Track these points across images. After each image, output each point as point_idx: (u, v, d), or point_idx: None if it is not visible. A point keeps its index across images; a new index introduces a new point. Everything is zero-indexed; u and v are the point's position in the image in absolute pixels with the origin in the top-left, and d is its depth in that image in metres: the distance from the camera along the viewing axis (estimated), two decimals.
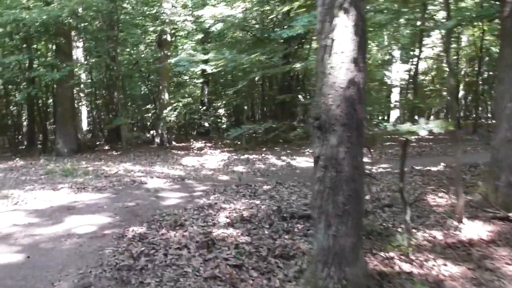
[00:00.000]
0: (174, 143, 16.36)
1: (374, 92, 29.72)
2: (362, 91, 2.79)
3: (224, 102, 14.01)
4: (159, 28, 13.44)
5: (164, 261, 3.63)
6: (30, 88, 12.52)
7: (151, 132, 20.71)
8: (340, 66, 2.72)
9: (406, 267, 3.51)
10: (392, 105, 30.81)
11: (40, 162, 11.39)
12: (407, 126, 3.14)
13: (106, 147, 16.19)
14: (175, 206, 6.26)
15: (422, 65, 28.83)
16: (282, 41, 13.30)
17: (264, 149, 14.67)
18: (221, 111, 14.11)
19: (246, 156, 12.63)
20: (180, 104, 13.79)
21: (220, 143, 15.92)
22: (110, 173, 9.65)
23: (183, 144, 16.60)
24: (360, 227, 2.92)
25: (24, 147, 16.74)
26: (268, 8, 11.26)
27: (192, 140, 17.54)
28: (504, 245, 4.14)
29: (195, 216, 5.39)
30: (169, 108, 13.50)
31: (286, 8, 9.43)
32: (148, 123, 22.74)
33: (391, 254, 3.73)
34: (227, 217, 5.25)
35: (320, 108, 2.82)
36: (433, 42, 26.17)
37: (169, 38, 15.93)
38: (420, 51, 24.45)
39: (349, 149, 2.76)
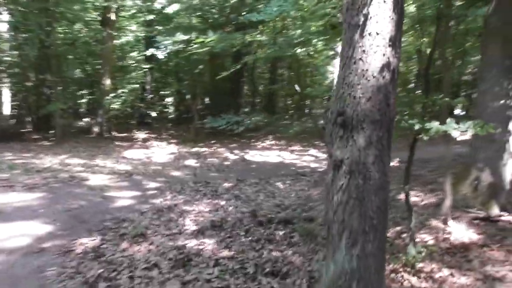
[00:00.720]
0: (114, 133, 15.13)
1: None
2: (396, 82, 2.30)
3: (172, 90, 13.05)
4: (104, 4, 12.12)
5: (130, 287, 2.90)
6: None
7: (86, 119, 19.15)
8: (374, 50, 2.19)
9: (415, 281, 3.13)
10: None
11: None
12: (435, 125, 2.71)
13: (35, 136, 14.55)
14: (128, 208, 5.45)
15: None
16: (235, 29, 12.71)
17: (213, 141, 14.01)
18: (169, 100, 13.15)
19: (196, 149, 11.91)
20: (126, 91, 12.64)
21: (166, 134, 14.98)
22: (43, 167, 8.44)
23: (124, 134, 15.40)
24: (385, 244, 2.46)
25: None
26: None
27: (134, 131, 16.36)
28: (498, 249, 3.93)
29: (155, 222, 4.65)
30: (112, 94, 12.31)
31: None
32: (83, 110, 21.00)
33: (394, 266, 3.34)
34: (194, 223, 4.59)
35: (344, 101, 2.28)
36: None
37: (113, 17, 14.62)
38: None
39: (380, 152, 2.25)
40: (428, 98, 4.21)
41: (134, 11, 15.42)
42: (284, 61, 22.15)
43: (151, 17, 12.31)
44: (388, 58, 2.21)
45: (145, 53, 11.03)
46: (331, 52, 32.37)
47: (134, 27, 14.47)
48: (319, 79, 31.17)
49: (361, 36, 2.22)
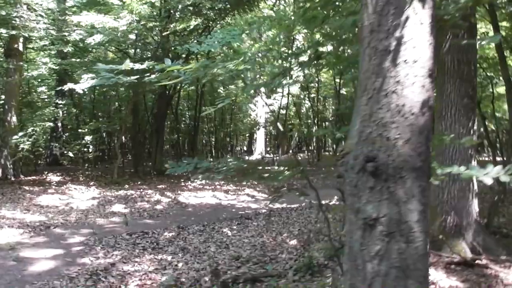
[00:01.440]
0: (22, 176, 13.30)
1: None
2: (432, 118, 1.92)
3: (91, 128, 11.83)
4: (12, 33, 10.79)
5: None
6: None
7: None
8: (412, 81, 1.80)
9: None
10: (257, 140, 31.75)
11: None
12: (463, 170, 2.35)
13: None
14: (52, 273, 4.41)
15: (283, 101, 30.58)
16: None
17: (139, 183, 12.92)
18: (88, 139, 11.88)
19: (121, 192, 10.76)
20: (37, 129, 11.17)
21: (84, 176, 13.49)
22: None
23: (34, 178, 13.61)
24: None
25: None
26: (157, 23, 9.92)
27: (46, 173, 14.56)
28: None
29: None
30: (20, 133, 10.78)
31: (182, 26, 8.34)
32: None
33: None
34: None
35: (373, 143, 1.84)
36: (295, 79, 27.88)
37: (21, 48, 13.15)
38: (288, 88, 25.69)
39: (424, 206, 1.82)
40: None
41: (45, 42, 14.13)
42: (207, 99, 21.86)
43: (68, 49, 11.20)
44: (428, 91, 1.82)
45: (62, 87, 9.85)
46: (252, 91, 33.02)
47: (46, 59, 13.11)
48: (241, 117, 31.43)
49: (394, 64, 1.82)
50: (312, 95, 28.49)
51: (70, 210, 8.43)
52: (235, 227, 6.63)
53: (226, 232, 6.20)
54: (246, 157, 29.44)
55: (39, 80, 15.47)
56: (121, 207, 8.79)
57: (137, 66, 3.16)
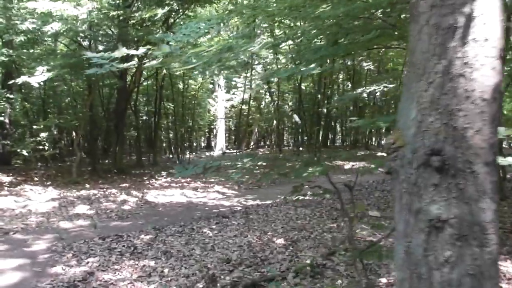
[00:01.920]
0: None
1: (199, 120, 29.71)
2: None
3: (47, 124, 10.96)
4: None
5: None
6: None
7: None
8: (481, 63, 1.58)
9: None
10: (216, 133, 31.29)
11: None
12: None
13: None
14: (21, 287, 3.91)
15: (242, 96, 30.35)
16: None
17: (100, 182, 12.22)
18: (43, 135, 11.00)
19: (83, 192, 10.07)
20: None
21: (39, 176, 12.55)
22: None
23: None
24: None
25: None
26: (120, 12, 9.27)
27: None
28: None
29: None
30: None
31: (148, 14, 7.85)
32: None
33: None
34: None
35: (437, 134, 1.61)
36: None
37: None
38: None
39: (497, 205, 1.62)
40: None
41: None
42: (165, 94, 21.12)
43: (21, 38, 10.27)
44: (499, 74, 1.62)
45: (15, 80, 9.04)
46: (211, 85, 32.37)
47: None
48: (201, 112, 30.80)
49: (462, 43, 1.60)
50: (272, 90, 28.47)
51: (29, 213, 7.73)
52: (214, 226, 6.31)
53: (206, 233, 5.86)
54: (207, 153, 28.97)
55: None
56: (85, 209, 8.18)
57: (133, 52, 2.77)
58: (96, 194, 9.87)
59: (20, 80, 8.98)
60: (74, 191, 10.19)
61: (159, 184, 12.08)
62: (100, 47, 14.13)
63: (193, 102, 27.77)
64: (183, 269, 4.18)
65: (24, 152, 10.74)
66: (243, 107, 30.11)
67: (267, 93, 29.19)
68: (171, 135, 26.60)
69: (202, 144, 36.97)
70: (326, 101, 22.57)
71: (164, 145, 27.33)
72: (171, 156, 24.19)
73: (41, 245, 5.53)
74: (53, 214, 7.71)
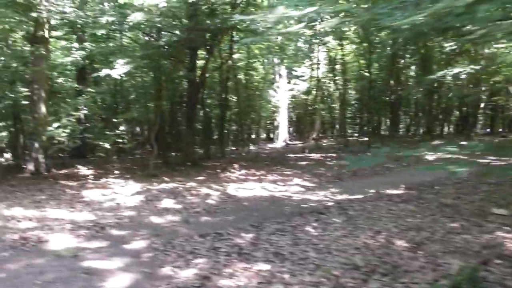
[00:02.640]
0: (54, 170, 12.66)
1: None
2: None
3: (126, 117, 11.05)
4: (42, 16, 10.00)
5: None
6: None
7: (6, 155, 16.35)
8: None
9: None
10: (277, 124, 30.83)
11: None
12: None
13: None
14: None
15: (304, 85, 29.51)
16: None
17: (175, 175, 12.16)
18: (123, 128, 11.10)
19: (164, 185, 10.01)
20: (72, 119, 10.44)
21: (118, 170, 12.78)
22: None
23: (64, 171, 12.97)
24: None
25: None
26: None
27: (78, 166, 13.91)
28: None
29: None
30: (56, 124, 10.07)
31: None
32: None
33: None
34: None
35: None
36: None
37: (46, 34, 12.41)
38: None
39: None
40: None
41: (67, 28, 13.38)
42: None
43: (102, 32, 10.37)
44: None
45: (99, 73, 9.11)
46: (273, 76, 31.73)
47: (75, 44, 12.34)
48: (263, 104, 30.35)
49: None
50: (336, 78, 27.42)
51: (118, 207, 7.72)
52: (315, 224, 5.83)
53: (310, 231, 5.40)
54: (268, 145, 28.61)
55: (65, 68, 14.79)
56: (171, 203, 8.04)
57: None
58: (178, 187, 9.77)
59: (102, 73, 9.02)
60: (155, 184, 10.17)
61: (235, 177, 11.82)
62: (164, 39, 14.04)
63: (255, 93, 27.50)
64: (305, 276, 3.74)
65: (107, 145, 10.89)
66: (306, 96, 29.33)
67: (331, 82, 28.17)
68: (233, 127, 26.54)
69: (263, 136, 36.70)
70: (398, 87, 21.28)
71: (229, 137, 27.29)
72: (234, 148, 24.11)
73: (139, 241, 5.36)
74: (141, 208, 7.63)
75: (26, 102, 12.68)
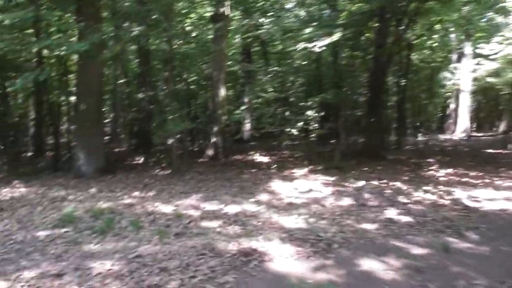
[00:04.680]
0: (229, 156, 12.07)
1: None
2: None
3: (316, 99, 9.54)
4: None
5: None
6: (38, 70, 8.08)
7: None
8: None
9: None
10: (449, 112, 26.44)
11: (52, 194, 7.02)
12: None
13: (138, 160, 11.87)
14: None
15: (492, 65, 24.35)
16: None
17: (365, 168, 10.13)
18: (310, 113, 9.66)
19: (360, 183, 8.19)
20: (260, 101, 9.43)
21: (297, 159, 11.52)
22: (198, 230, 5.21)
23: (238, 157, 12.26)
24: None
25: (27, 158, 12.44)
26: None
27: (251, 152, 13.19)
28: None
29: None
30: (243, 107, 9.15)
31: None
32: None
33: None
34: None
35: None
36: None
37: (228, 11, 11.71)
38: None
39: None
40: None
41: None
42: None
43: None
44: None
45: (297, 47, 7.73)
46: (450, 55, 26.62)
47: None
48: (437, 87, 26.14)
49: None
50: None
51: (326, 210, 6.15)
52: None
53: None
54: (441, 136, 24.47)
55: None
56: (394, 211, 6.16)
57: None
58: (378, 186, 7.89)
59: (299, 45, 7.61)
60: (351, 180, 8.46)
61: (445, 177, 9.28)
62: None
63: (429, 76, 23.72)
64: None
65: (294, 131, 9.61)
66: (493, 79, 24.33)
67: None
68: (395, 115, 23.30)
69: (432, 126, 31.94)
70: None
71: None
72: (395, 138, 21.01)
73: (391, 274, 3.64)
74: (356, 215, 5.94)
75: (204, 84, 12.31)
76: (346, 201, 6.68)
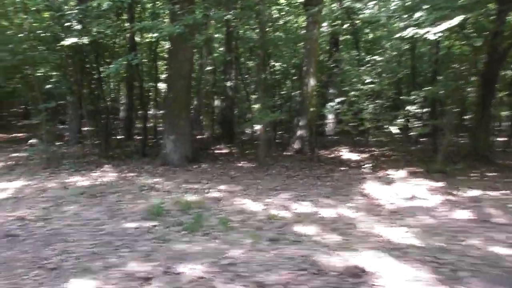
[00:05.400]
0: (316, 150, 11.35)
1: None
2: None
3: (422, 94, 8.43)
4: None
5: None
6: (131, 55, 8.03)
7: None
8: None
9: None
10: None
11: (140, 181, 6.90)
12: None
13: (223, 150, 11.66)
14: None
15: None
16: None
17: (475, 174, 8.82)
18: (412, 109, 8.57)
19: (472, 192, 7.05)
20: (355, 93, 8.59)
21: (399, 159, 10.45)
22: (272, 226, 4.75)
23: (324, 152, 11.51)
24: None
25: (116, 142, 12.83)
26: None
27: (336, 147, 12.38)
28: None
29: None
30: (338, 99, 8.39)
31: None
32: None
33: None
34: None
35: None
36: None
37: None
38: None
39: None
40: None
41: None
42: None
43: None
44: None
45: (403, 32, 6.77)
46: None
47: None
48: None
49: None
50: None
51: (439, 224, 5.25)
52: None
53: None
54: None
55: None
56: None
57: None
58: (501, 198, 6.70)
59: (408, 32, 6.65)
60: (462, 188, 7.33)
61: None
62: None
63: None
64: None
65: (393, 130, 8.64)
66: None
67: None
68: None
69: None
70: None
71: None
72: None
73: None
74: (477, 231, 4.97)
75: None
76: (462, 214, 5.68)
